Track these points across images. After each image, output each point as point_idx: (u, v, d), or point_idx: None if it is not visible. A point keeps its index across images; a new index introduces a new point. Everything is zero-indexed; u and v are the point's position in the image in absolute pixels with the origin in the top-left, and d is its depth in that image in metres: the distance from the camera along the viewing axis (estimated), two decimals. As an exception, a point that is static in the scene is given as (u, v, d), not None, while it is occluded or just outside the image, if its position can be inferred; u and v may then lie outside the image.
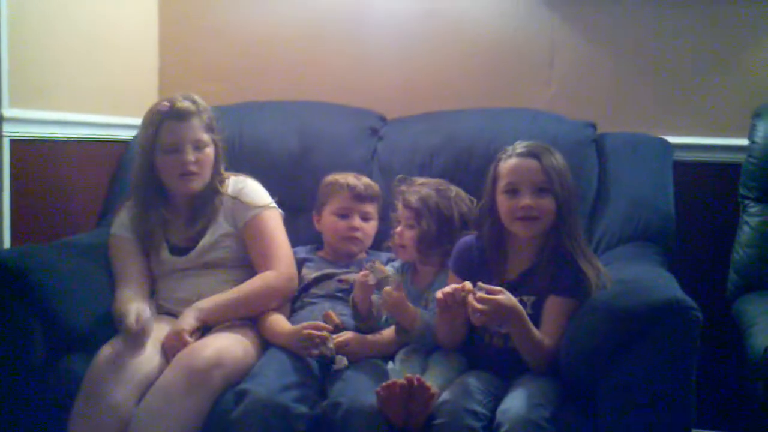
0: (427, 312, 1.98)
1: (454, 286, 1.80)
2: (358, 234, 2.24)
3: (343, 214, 2.25)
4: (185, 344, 1.94)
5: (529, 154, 1.90)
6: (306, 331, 1.93)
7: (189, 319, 1.99)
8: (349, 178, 2.27)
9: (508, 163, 1.91)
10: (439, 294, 1.81)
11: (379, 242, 2.31)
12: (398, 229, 2.12)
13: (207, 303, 2.04)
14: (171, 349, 1.95)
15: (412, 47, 2.75)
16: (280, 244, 2.19)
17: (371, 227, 2.28)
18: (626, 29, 2.59)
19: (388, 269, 2.03)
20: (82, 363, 1.92)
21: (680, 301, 1.66)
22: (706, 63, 2.53)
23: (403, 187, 2.15)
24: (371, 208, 2.27)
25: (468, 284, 1.78)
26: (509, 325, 1.80)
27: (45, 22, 2.36)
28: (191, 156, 2.14)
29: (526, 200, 1.87)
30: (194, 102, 2.18)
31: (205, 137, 2.18)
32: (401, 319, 1.96)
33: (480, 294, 1.74)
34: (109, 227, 2.26)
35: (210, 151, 2.19)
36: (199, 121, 2.17)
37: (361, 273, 1.98)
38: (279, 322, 2.08)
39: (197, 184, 2.18)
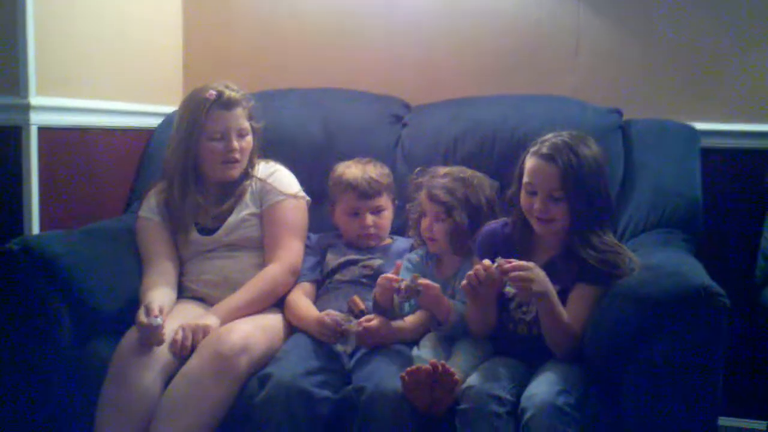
0: (459, 303, 1.97)
1: (475, 267, 1.80)
2: (371, 230, 2.22)
3: (353, 213, 2.23)
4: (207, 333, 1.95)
5: (551, 157, 1.85)
6: (328, 319, 1.94)
7: (213, 318, 2.00)
8: (354, 174, 2.22)
9: (530, 161, 1.90)
10: (464, 282, 1.81)
11: (399, 226, 2.30)
12: (426, 222, 2.09)
13: (222, 309, 2.05)
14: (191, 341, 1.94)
15: (436, 34, 2.74)
16: (293, 236, 2.21)
17: (385, 218, 2.26)
18: (652, 14, 2.56)
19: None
20: (109, 347, 1.95)
21: (708, 287, 1.64)
22: (733, 48, 2.49)
23: (425, 179, 2.12)
24: (381, 201, 2.24)
25: (487, 262, 1.78)
26: (540, 301, 1.78)
27: (70, 11, 2.38)
28: (236, 143, 2.17)
29: (538, 205, 1.87)
30: (238, 90, 2.22)
31: (248, 125, 2.23)
32: (437, 313, 1.96)
33: (506, 266, 1.75)
34: (136, 212, 2.29)
35: (251, 138, 2.24)
36: (242, 110, 2.21)
37: (388, 277, 1.96)
38: (303, 307, 2.09)
39: (237, 171, 2.22)
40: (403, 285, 1.91)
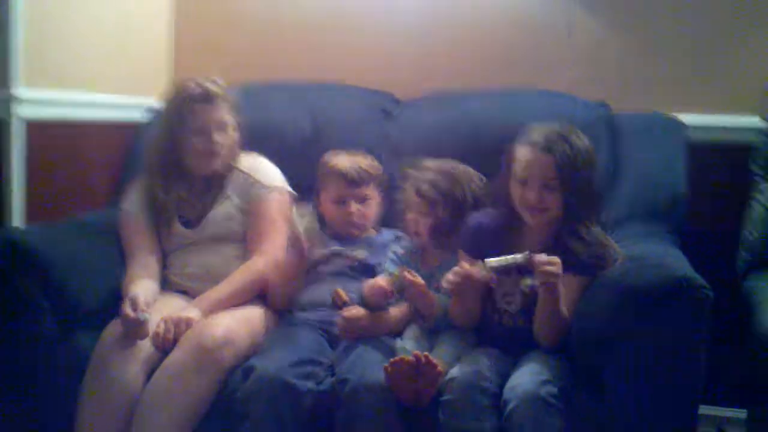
0: (443, 296, 1.97)
1: (458, 270, 1.80)
2: (356, 218, 2.22)
3: (339, 201, 2.23)
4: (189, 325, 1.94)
5: (544, 147, 1.85)
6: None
7: (196, 311, 2.00)
8: (342, 163, 2.23)
9: (522, 151, 1.89)
10: (444, 283, 1.81)
11: (387, 218, 2.30)
12: (411, 216, 2.10)
13: (204, 302, 2.04)
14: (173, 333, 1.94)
15: (427, 29, 2.73)
16: (277, 230, 2.19)
17: (370, 208, 2.25)
18: (639, 7, 2.56)
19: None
20: (91, 340, 1.94)
21: (690, 279, 1.65)
22: (721, 41, 2.50)
23: (413, 172, 2.13)
24: (368, 190, 2.23)
25: (474, 270, 1.79)
26: (548, 291, 1.78)
27: (60, 2, 2.37)
28: (217, 137, 2.17)
29: (532, 194, 1.86)
30: (219, 84, 2.21)
31: (229, 119, 2.22)
32: (421, 307, 1.96)
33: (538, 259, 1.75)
34: (119, 206, 2.28)
35: (232, 132, 2.23)
36: (224, 103, 2.21)
37: (380, 280, 1.97)
38: None
39: (218, 164, 2.22)
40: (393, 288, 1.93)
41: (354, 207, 2.21)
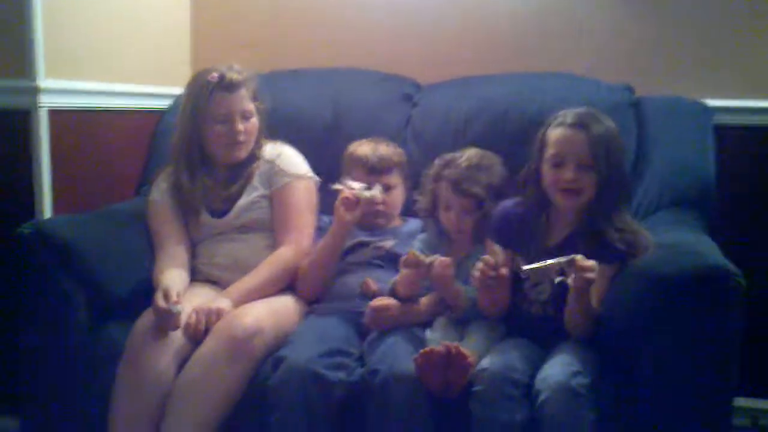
0: (471, 288, 1.95)
1: (488, 260, 1.79)
2: (380, 207, 2.19)
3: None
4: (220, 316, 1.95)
5: (578, 124, 1.85)
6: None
7: (226, 301, 2.00)
8: (365, 150, 2.22)
9: (555, 132, 1.88)
10: (475, 273, 1.80)
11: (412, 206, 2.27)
12: (452, 215, 2.05)
13: (234, 292, 2.05)
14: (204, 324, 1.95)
15: (447, 13, 2.71)
16: (303, 217, 2.20)
17: (394, 196, 2.23)
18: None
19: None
20: (124, 330, 1.96)
21: (722, 267, 1.64)
22: (746, 24, 2.46)
23: (449, 172, 2.07)
24: (391, 178, 2.22)
25: (503, 270, 1.79)
26: (581, 288, 1.76)
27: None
28: (240, 126, 2.17)
29: (569, 174, 1.84)
30: (240, 72, 2.20)
31: (252, 107, 2.22)
32: (447, 297, 1.95)
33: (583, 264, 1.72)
34: (147, 196, 2.29)
35: (255, 120, 2.23)
36: (246, 91, 2.20)
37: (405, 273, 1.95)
38: None
39: (243, 153, 2.22)
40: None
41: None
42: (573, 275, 1.72)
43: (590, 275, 1.71)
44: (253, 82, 2.24)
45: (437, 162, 2.12)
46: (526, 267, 1.75)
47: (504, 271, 1.81)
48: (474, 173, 2.05)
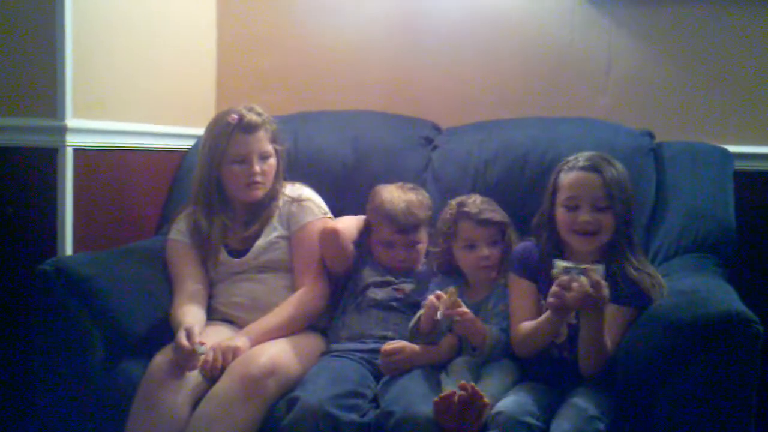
0: (494, 327, 1.95)
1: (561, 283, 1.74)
2: (404, 264, 2.20)
3: (388, 244, 2.20)
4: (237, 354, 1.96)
5: (591, 167, 1.87)
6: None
7: (244, 340, 2.01)
8: (394, 207, 2.16)
9: (569, 176, 1.89)
10: (551, 298, 1.75)
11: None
12: (480, 251, 2.03)
13: (252, 331, 2.06)
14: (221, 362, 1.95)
15: (467, 56, 2.74)
16: (323, 260, 2.22)
17: (419, 252, 2.22)
18: (685, 35, 2.54)
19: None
20: (139, 367, 1.97)
21: (740, 313, 1.62)
22: (767, 68, 2.47)
23: (469, 208, 2.06)
24: (417, 235, 2.20)
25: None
26: (591, 316, 1.75)
27: (107, 36, 2.42)
28: (258, 167, 2.19)
29: (585, 216, 1.85)
30: (260, 114, 2.23)
31: (270, 148, 2.24)
32: (471, 338, 1.94)
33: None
34: (166, 235, 2.31)
35: (273, 161, 2.25)
36: (264, 133, 2.22)
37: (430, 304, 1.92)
38: None
39: (260, 193, 2.23)
40: (439, 315, 1.88)
41: (403, 254, 2.20)
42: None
43: (605, 291, 1.69)
44: (271, 124, 2.26)
45: (453, 203, 2.12)
46: (559, 261, 1.75)
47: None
48: (489, 206, 2.07)
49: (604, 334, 1.77)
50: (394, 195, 2.21)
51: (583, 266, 1.72)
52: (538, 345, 1.88)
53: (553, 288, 1.74)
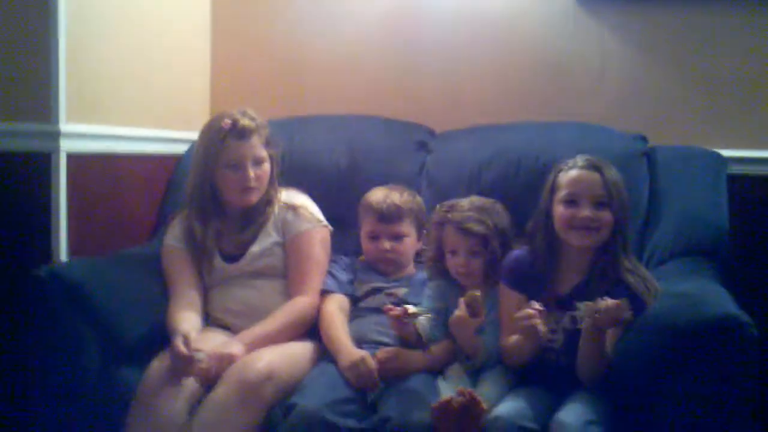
0: (488, 337, 1.96)
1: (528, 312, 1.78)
2: (389, 255, 2.21)
3: (373, 237, 2.22)
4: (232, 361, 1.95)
5: (591, 166, 1.91)
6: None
7: (239, 345, 2.01)
8: (376, 198, 2.22)
9: (570, 174, 1.92)
10: (525, 323, 1.79)
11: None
12: (459, 259, 2.05)
13: (247, 337, 2.05)
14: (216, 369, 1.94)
15: (460, 61, 2.75)
16: (318, 267, 2.22)
17: (405, 245, 2.22)
18: (677, 40, 2.56)
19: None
20: (134, 373, 1.96)
21: (735, 317, 1.64)
22: (759, 74, 2.48)
23: (453, 215, 2.07)
24: (402, 227, 2.21)
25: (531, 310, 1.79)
26: (593, 334, 1.77)
27: (100, 40, 2.40)
28: (252, 172, 2.18)
29: (585, 212, 1.87)
30: (253, 119, 2.22)
31: (264, 153, 2.23)
32: (466, 347, 1.95)
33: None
34: (161, 240, 2.31)
35: (267, 166, 2.24)
36: (258, 138, 2.22)
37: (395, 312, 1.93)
38: (341, 339, 2.07)
39: (254, 198, 2.23)
40: (402, 312, 1.90)
41: (387, 244, 2.21)
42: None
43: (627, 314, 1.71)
44: (265, 129, 2.25)
45: (439, 208, 2.13)
46: (581, 304, 1.76)
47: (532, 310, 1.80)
48: (477, 214, 2.05)
49: (605, 348, 1.78)
50: (378, 190, 2.26)
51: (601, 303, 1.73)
52: (525, 357, 1.90)
53: (525, 311, 1.77)
